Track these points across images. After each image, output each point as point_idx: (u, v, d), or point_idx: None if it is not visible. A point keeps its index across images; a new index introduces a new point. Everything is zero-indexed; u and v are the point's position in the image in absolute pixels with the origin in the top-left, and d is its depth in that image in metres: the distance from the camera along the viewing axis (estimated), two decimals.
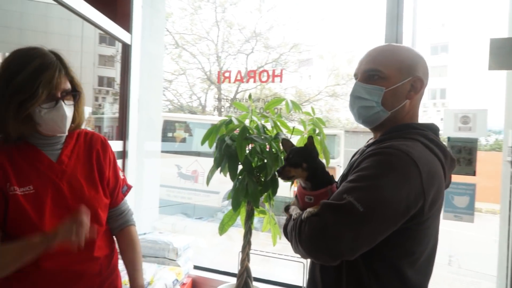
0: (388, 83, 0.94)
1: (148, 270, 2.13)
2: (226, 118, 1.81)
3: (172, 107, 12.75)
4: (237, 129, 1.76)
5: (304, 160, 0.98)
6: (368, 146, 1.00)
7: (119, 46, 2.67)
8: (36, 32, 2.48)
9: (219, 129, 1.79)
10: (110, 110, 3.08)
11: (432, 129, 0.97)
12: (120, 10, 2.64)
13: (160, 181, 3.37)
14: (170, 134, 7.01)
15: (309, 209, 0.88)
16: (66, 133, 1.09)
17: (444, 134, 1.89)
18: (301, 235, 0.85)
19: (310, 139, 1.01)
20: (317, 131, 1.84)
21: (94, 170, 1.15)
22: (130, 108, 2.62)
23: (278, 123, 1.82)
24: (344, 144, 6.55)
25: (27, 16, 2.38)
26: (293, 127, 1.86)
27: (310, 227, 0.83)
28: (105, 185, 1.17)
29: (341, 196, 0.82)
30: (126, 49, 2.62)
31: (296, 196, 1.03)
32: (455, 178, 1.86)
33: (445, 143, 1.03)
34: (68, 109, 1.04)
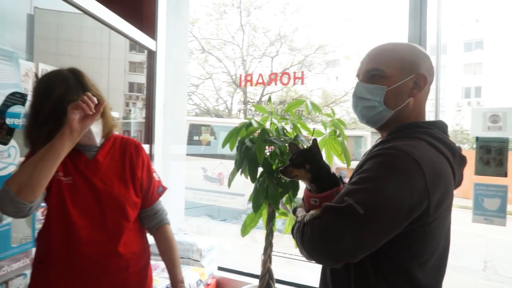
0: (390, 81, 0.92)
1: None
2: (247, 121, 1.84)
3: (199, 111, 13.00)
4: (257, 131, 1.78)
5: (307, 161, 0.99)
6: (375, 146, 0.99)
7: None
8: (71, 42, 2.61)
9: (240, 132, 1.82)
10: (140, 115, 3.19)
11: (439, 126, 0.94)
12: (146, 18, 2.74)
13: (185, 184, 3.44)
14: (196, 138, 7.19)
15: (311, 212, 0.88)
16: (98, 144, 1.20)
17: (472, 134, 1.82)
18: (304, 238, 0.85)
19: (314, 141, 1.01)
20: (337, 133, 1.83)
21: (127, 170, 1.23)
22: (156, 112, 2.71)
23: (298, 125, 1.82)
24: (371, 145, 6.41)
25: (62, 27, 2.51)
26: (314, 129, 1.85)
27: (311, 230, 0.83)
28: (137, 185, 1.25)
29: (342, 198, 0.82)
30: (152, 55, 2.71)
31: (303, 199, 1.04)
32: (485, 179, 1.78)
33: (459, 142, 0.99)
34: (93, 124, 1.12)
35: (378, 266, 0.85)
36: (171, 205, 3.00)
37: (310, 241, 0.83)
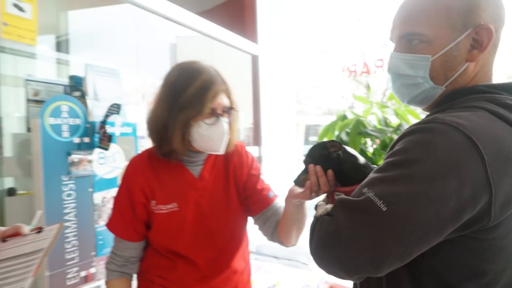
0: (435, 46, 0.65)
1: (276, 272, 2.15)
2: (343, 113, 1.68)
3: (320, 112, 12.96)
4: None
5: (315, 163, 0.85)
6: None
7: None
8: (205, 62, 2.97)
9: (336, 125, 1.67)
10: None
11: (509, 90, 0.64)
12: (248, 23, 2.84)
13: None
14: (312, 138, 7.66)
15: (326, 206, 0.69)
16: (223, 153, 1.04)
17: None
18: (312, 239, 0.65)
19: (332, 142, 0.87)
20: None
21: (231, 185, 1.09)
22: (262, 115, 2.77)
23: (405, 113, 1.56)
24: None
25: (198, 50, 2.79)
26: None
27: (320, 230, 0.63)
28: (242, 197, 1.11)
29: (360, 190, 0.61)
30: (255, 60, 2.77)
31: (327, 193, 0.86)
32: None
33: None
34: (226, 126, 1.01)
35: (420, 283, 0.62)
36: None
37: (316, 244, 0.63)
